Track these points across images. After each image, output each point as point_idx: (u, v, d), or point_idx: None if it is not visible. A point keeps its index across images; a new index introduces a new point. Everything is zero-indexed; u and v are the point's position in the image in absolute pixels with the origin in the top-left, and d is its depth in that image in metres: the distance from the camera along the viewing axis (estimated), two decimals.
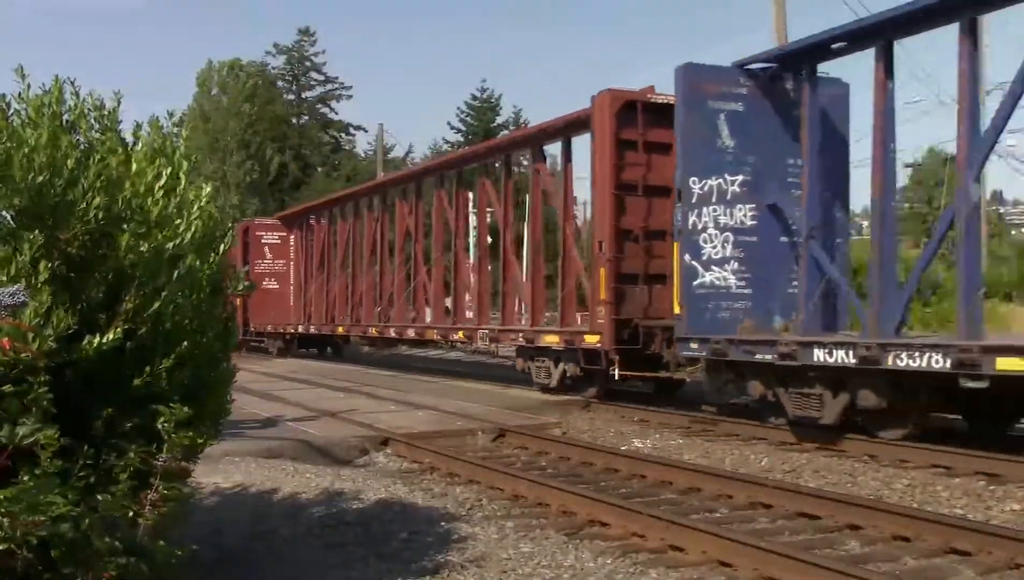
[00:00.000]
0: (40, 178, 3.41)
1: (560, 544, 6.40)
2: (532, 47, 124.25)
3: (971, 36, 9.33)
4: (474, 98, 56.60)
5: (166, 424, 3.65)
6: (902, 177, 61.08)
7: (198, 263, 3.95)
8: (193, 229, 3.84)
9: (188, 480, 4.25)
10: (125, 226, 3.65)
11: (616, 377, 13.65)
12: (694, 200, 11.79)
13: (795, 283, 11.88)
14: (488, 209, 19.07)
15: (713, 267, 11.87)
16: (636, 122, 13.84)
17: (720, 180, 11.86)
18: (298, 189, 54.84)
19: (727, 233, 11.92)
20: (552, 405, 14.12)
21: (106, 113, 3.95)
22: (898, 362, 9.30)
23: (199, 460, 4.46)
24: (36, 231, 3.41)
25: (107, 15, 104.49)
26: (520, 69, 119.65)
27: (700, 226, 11.82)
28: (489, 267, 18.57)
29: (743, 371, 11.36)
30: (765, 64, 12.15)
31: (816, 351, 10.15)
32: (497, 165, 18.09)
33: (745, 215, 12.00)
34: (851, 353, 9.74)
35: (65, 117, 3.83)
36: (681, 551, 6.31)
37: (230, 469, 8.79)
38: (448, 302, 20.55)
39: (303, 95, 61.82)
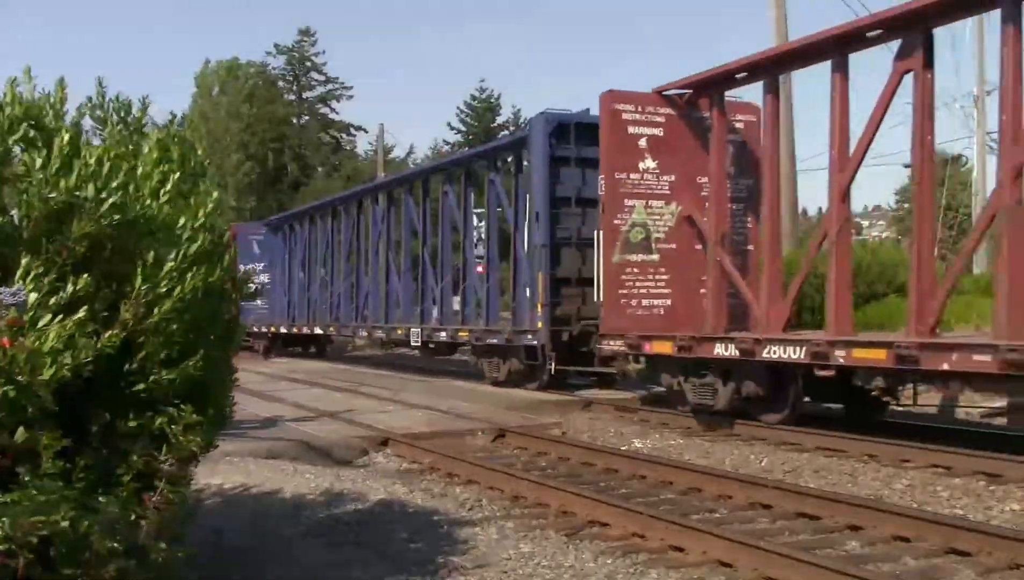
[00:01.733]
0: (61, 184, 3.40)
1: (560, 544, 6.41)
2: (532, 46, 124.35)
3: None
4: (473, 98, 56.54)
5: (174, 427, 3.63)
6: (902, 177, 61.27)
7: (203, 268, 3.93)
8: (201, 238, 3.82)
9: (189, 482, 4.24)
10: (131, 229, 3.63)
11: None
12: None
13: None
14: None
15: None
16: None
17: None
18: (297, 190, 54.81)
19: None
20: (552, 405, 14.14)
21: (131, 118, 3.96)
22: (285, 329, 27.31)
23: (199, 462, 4.45)
24: (63, 253, 3.39)
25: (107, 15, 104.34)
26: (520, 69, 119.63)
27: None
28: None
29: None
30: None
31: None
32: None
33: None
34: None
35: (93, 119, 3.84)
36: (681, 551, 6.31)
37: (230, 470, 8.78)
38: None
39: (303, 95, 61.78)
